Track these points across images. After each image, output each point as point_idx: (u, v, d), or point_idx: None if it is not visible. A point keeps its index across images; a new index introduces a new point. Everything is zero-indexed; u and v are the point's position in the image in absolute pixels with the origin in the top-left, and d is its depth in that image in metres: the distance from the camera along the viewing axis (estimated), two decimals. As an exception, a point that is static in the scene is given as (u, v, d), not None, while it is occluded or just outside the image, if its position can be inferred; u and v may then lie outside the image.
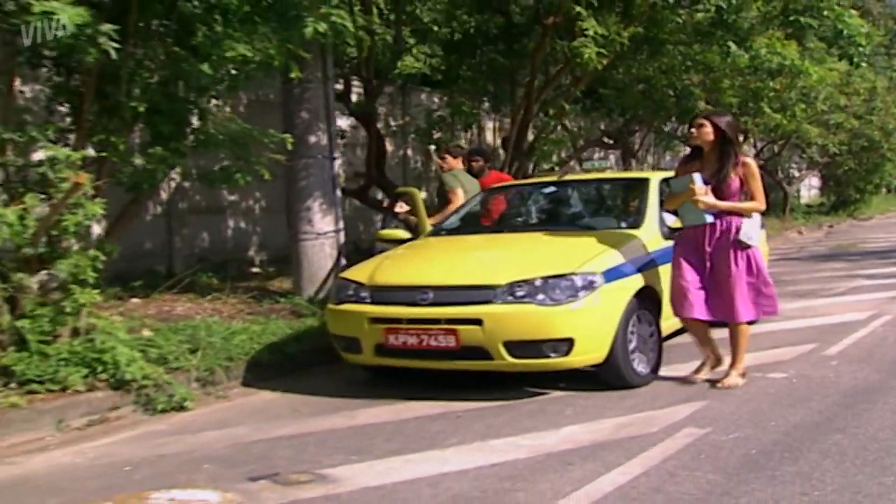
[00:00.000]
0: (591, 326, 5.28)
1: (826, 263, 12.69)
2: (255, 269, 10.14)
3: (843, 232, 18.95)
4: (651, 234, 6.10)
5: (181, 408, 5.61)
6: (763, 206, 5.53)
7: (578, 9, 7.66)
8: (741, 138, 7.93)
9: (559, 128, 10.84)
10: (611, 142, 13.30)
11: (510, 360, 5.22)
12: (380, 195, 10.27)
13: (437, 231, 6.78)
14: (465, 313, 5.22)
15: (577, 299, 5.25)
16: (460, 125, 10.06)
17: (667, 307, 5.93)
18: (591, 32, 7.65)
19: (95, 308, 5.93)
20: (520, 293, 5.25)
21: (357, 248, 9.21)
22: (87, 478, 4.33)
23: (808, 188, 25.46)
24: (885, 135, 17.95)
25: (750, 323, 5.72)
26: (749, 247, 5.48)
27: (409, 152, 11.85)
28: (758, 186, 5.51)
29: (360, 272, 5.87)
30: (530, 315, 5.18)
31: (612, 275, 5.45)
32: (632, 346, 5.55)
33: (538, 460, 4.29)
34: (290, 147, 5.99)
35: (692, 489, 3.80)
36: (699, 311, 5.49)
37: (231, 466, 4.39)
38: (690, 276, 5.49)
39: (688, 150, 5.96)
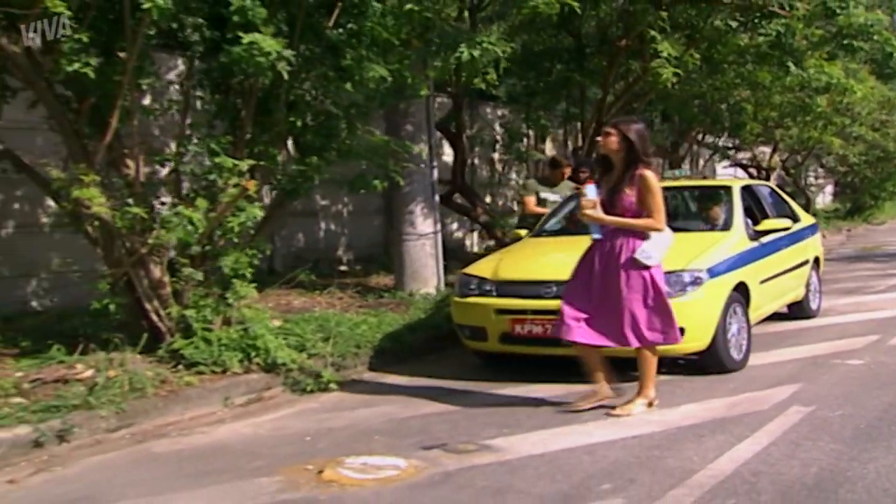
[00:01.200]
0: (698, 317, 5.58)
1: (858, 264, 12.92)
2: (342, 268, 10.47)
3: (862, 236, 19.18)
4: (739, 236, 6.40)
5: (325, 389, 5.94)
6: (659, 225, 4.75)
7: (653, 33, 7.94)
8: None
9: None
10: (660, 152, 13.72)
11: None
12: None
13: (539, 233, 7.09)
14: (587, 305, 5.50)
15: (686, 293, 5.56)
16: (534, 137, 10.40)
17: (754, 300, 6.24)
18: (664, 54, 7.94)
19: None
20: (635, 287, 5.53)
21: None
22: (276, 445, 4.66)
23: (823, 195, 25.65)
24: (900, 145, 18.27)
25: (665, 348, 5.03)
26: (647, 267, 4.77)
27: (476, 161, 12.19)
28: (655, 202, 4.73)
29: (482, 269, 6.18)
30: (646, 306, 5.46)
31: (714, 271, 5.75)
32: (729, 334, 5.85)
33: (671, 433, 4.59)
34: (424, 157, 6.32)
35: (820, 456, 4.09)
36: (579, 335, 4.86)
37: (399, 438, 4.70)
38: (574, 296, 4.93)
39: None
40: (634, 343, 4.82)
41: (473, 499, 3.72)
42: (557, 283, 5.67)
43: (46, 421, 4.72)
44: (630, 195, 4.76)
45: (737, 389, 5.46)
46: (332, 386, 5.95)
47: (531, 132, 10.04)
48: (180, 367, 5.74)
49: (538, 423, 4.86)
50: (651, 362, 4.92)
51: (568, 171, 8.16)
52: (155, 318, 5.86)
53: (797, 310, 7.74)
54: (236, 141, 5.77)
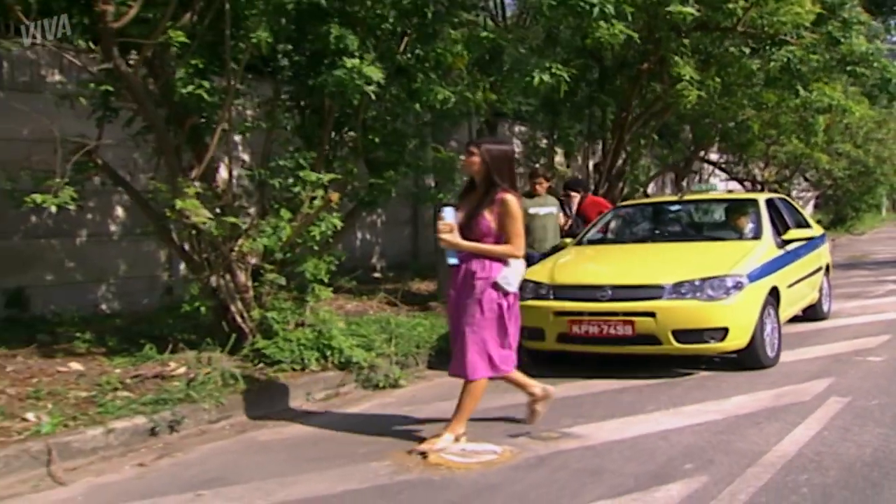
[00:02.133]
0: (739, 318, 5.90)
1: (852, 271, 13.33)
2: (376, 275, 10.72)
3: (846, 245, 19.71)
4: (769, 244, 6.75)
5: (394, 385, 6.20)
6: (518, 252, 4.37)
7: (676, 58, 8.29)
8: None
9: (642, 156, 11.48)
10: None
11: (676, 345, 5.84)
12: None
13: (582, 242, 7.40)
14: (640, 307, 5.84)
15: (729, 296, 5.88)
16: (559, 152, 10.74)
17: (783, 302, 6.57)
18: (687, 77, 8.29)
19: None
20: (683, 291, 5.88)
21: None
22: (374, 435, 4.89)
23: (805, 207, 26.27)
24: (879, 162, 18.81)
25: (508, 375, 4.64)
26: (506, 294, 4.40)
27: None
28: (514, 228, 4.33)
29: (537, 274, 6.47)
30: (694, 309, 5.81)
31: (753, 276, 6.09)
32: (765, 334, 6.17)
33: (731, 421, 4.89)
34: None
35: (871, 438, 4.41)
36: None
37: (484, 428, 4.94)
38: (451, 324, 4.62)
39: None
40: (475, 374, 4.37)
41: (572, 479, 3.98)
42: (612, 286, 5.99)
43: (159, 412, 4.97)
44: (488, 219, 4.33)
45: (776, 383, 5.77)
46: (402, 382, 6.21)
47: (557, 149, 10.36)
48: (261, 364, 6.00)
49: (606, 413, 5.14)
50: (474, 397, 4.45)
51: (543, 184, 7.69)
52: (239, 319, 6.11)
53: (811, 312, 8.09)
54: (317, 156, 6.03)
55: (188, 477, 4.23)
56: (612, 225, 7.75)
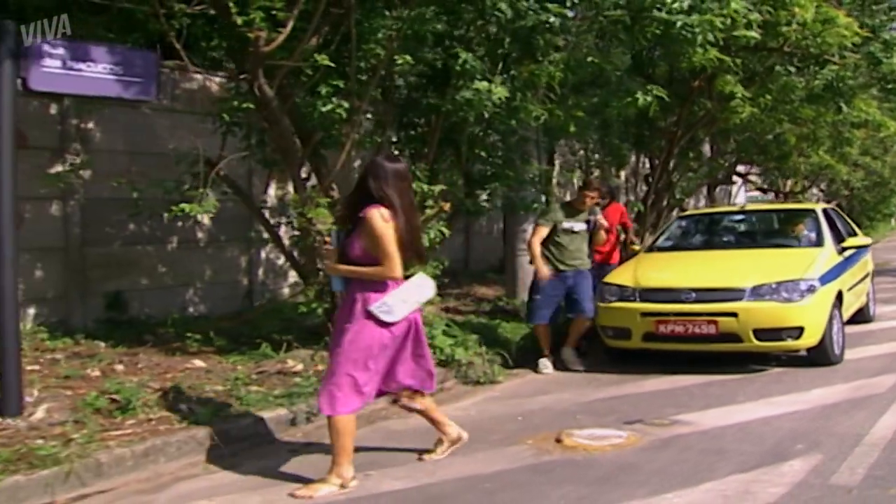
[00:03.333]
0: (813, 318, 6.47)
1: (879, 278, 13.88)
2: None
3: (862, 253, 20.41)
4: (831, 251, 7.34)
5: (492, 381, 6.72)
6: (391, 273, 3.94)
7: (728, 76, 8.88)
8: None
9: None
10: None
11: (756, 342, 6.40)
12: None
13: (652, 248, 7.98)
14: (723, 308, 6.40)
15: (804, 298, 6.45)
16: (612, 165, 11.32)
17: (845, 305, 7.15)
18: (739, 95, 8.89)
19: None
20: (762, 293, 6.45)
21: None
22: (498, 424, 5.40)
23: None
24: (894, 172, 19.57)
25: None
26: (385, 324, 4.00)
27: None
28: (382, 247, 3.91)
29: (621, 278, 7.03)
30: (773, 309, 6.37)
31: (823, 280, 6.67)
32: (833, 333, 6.74)
33: (819, 409, 5.43)
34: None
35: (953, 425, 4.97)
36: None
37: (597, 416, 5.49)
38: None
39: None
40: (328, 410, 4.04)
41: (701, 457, 4.51)
42: (696, 289, 6.55)
43: (295, 404, 5.47)
44: (358, 241, 4.01)
45: (848, 378, 6.32)
46: (500, 378, 6.74)
47: (607, 159, 10.95)
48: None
49: (703, 404, 5.68)
50: (341, 434, 4.04)
51: (592, 196, 7.10)
52: (349, 320, 6.62)
53: (860, 316, 8.67)
54: (424, 169, 6.59)
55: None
56: (679, 233, 8.33)
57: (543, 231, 6.97)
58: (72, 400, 5.16)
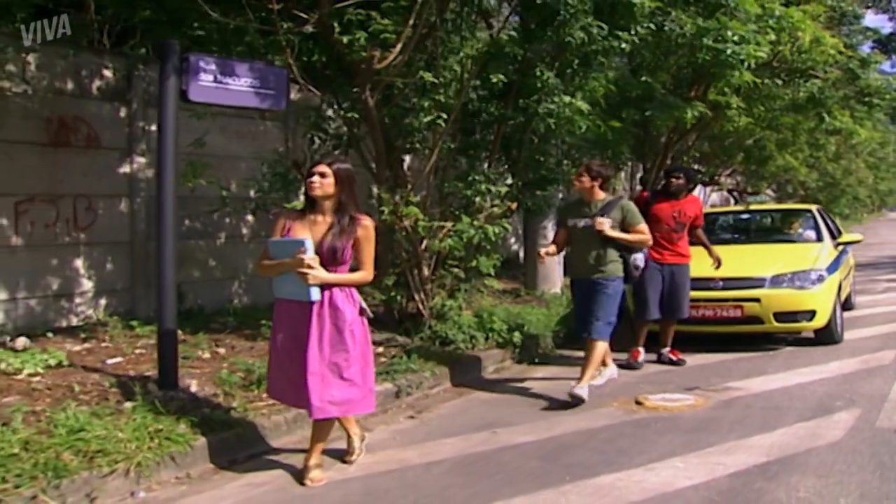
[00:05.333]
0: (823, 302, 7.70)
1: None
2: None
3: (815, 251, 22.34)
4: (829, 246, 8.64)
5: (544, 362, 7.73)
6: (371, 278, 4.32)
7: (727, 89, 10.14)
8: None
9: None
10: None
11: (776, 324, 7.60)
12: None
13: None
14: (748, 295, 7.58)
15: (815, 285, 7.69)
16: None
17: (842, 292, 8.47)
18: (735, 106, 10.16)
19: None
20: (780, 281, 7.65)
21: None
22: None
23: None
24: (846, 174, 21.57)
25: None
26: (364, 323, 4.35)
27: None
28: (370, 254, 4.27)
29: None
30: (791, 295, 7.58)
31: (829, 270, 7.93)
32: (837, 316, 8.02)
33: (841, 377, 6.59)
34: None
35: (952, 385, 6.24)
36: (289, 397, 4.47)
37: (658, 385, 6.53)
38: (282, 359, 4.37)
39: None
40: (318, 413, 4.24)
41: (764, 412, 5.58)
42: (723, 279, 7.72)
43: (397, 380, 6.35)
44: (349, 247, 4.21)
45: (855, 353, 7.55)
46: (552, 358, 7.78)
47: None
48: (438, 344, 7.44)
49: (742, 374, 6.79)
50: (327, 429, 4.46)
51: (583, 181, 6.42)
52: (420, 307, 7.55)
53: (845, 303, 9.98)
54: (489, 172, 7.55)
55: (465, 422, 5.55)
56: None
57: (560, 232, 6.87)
58: (208, 377, 5.95)
